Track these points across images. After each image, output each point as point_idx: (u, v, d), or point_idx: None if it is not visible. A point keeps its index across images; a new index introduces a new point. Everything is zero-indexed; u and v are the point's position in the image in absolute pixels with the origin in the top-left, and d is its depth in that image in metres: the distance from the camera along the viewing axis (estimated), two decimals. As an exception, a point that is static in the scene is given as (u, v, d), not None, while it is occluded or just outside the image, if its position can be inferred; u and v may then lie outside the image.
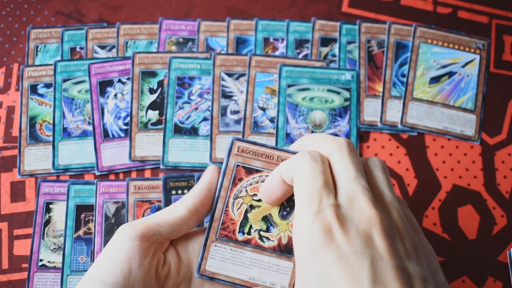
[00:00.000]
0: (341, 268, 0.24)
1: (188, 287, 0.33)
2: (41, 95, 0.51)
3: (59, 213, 0.47)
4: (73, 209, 0.47)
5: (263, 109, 0.50)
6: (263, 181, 0.33)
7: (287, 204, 0.33)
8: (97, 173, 0.48)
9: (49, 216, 0.47)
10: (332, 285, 0.24)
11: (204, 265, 0.32)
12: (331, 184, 0.27)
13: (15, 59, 0.52)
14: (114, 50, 0.52)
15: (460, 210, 0.48)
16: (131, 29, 0.52)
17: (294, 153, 0.32)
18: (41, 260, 0.46)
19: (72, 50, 0.52)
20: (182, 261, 0.33)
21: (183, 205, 0.32)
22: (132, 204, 0.47)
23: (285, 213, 0.33)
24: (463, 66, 0.51)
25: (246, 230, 0.33)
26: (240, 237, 0.33)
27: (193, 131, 0.49)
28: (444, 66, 0.51)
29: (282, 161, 0.32)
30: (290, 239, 0.32)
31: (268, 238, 0.33)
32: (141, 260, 0.30)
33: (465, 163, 0.49)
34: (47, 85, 0.51)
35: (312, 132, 0.49)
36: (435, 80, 0.51)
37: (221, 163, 0.48)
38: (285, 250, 0.32)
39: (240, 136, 0.48)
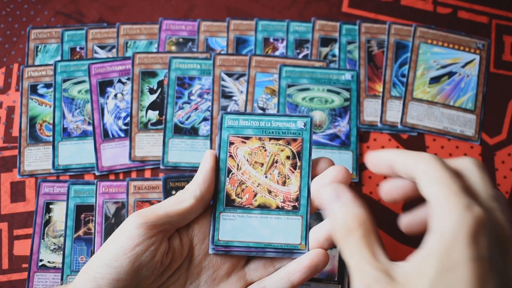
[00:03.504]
0: (475, 268, 0.24)
1: (188, 266, 0.33)
2: (41, 95, 0.51)
3: (59, 213, 0.47)
4: (73, 209, 0.47)
5: (263, 109, 0.50)
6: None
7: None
8: (97, 173, 0.48)
9: (49, 216, 0.47)
10: (460, 279, 0.24)
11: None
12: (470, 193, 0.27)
13: (15, 59, 0.52)
14: (114, 50, 0.52)
15: (460, 210, 0.48)
16: (131, 29, 0.52)
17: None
18: (41, 260, 0.46)
19: (72, 50, 0.52)
20: (183, 243, 0.33)
21: (191, 195, 0.33)
22: (132, 204, 0.47)
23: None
24: (463, 66, 0.51)
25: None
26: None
27: (193, 131, 0.49)
28: (444, 66, 0.51)
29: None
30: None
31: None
32: (147, 247, 0.30)
33: (465, 163, 0.49)
34: (47, 85, 0.51)
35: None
36: (435, 80, 0.51)
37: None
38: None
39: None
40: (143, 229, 0.30)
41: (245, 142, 0.35)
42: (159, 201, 0.47)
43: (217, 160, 0.35)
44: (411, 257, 0.26)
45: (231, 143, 0.35)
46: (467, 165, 0.29)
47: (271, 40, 0.52)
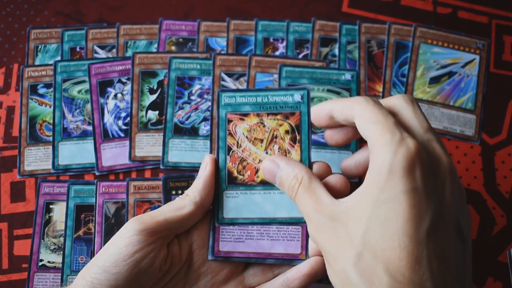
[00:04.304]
0: (410, 199, 0.25)
1: (187, 271, 0.33)
2: (41, 95, 0.51)
3: (59, 213, 0.47)
4: (73, 209, 0.47)
5: (263, 109, 0.50)
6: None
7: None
8: (97, 173, 0.48)
9: (49, 216, 0.47)
10: (395, 211, 0.25)
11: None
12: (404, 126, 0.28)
13: (15, 59, 0.52)
14: (114, 50, 0.52)
15: (460, 210, 0.48)
16: (131, 29, 0.52)
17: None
18: (41, 260, 0.46)
19: (72, 50, 0.52)
20: (182, 249, 0.33)
21: (191, 201, 0.33)
22: (132, 204, 0.47)
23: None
24: (463, 66, 0.51)
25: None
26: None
27: (193, 131, 0.49)
28: (444, 66, 0.51)
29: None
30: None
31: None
32: (146, 254, 0.30)
33: (465, 163, 0.49)
34: (47, 85, 0.51)
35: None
36: (435, 80, 0.51)
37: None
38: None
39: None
40: (143, 236, 0.30)
41: (243, 119, 0.35)
42: (159, 201, 0.47)
43: (216, 163, 0.34)
44: (352, 194, 0.28)
45: (230, 121, 0.35)
46: (400, 102, 0.30)
47: (271, 40, 0.52)
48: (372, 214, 0.26)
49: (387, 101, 0.30)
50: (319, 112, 0.33)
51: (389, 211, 0.25)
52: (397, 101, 0.30)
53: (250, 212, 0.34)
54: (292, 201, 0.33)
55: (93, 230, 0.46)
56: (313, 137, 0.49)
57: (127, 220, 0.46)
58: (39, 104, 0.50)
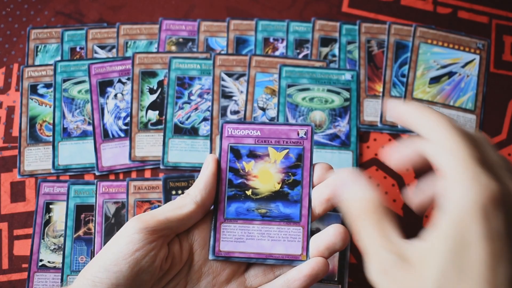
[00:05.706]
0: (491, 245, 0.23)
1: (188, 271, 0.33)
2: (41, 95, 0.51)
3: (59, 213, 0.47)
4: (73, 209, 0.47)
5: (263, 109, 0.50)
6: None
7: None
8: (97, 173, 0.48)
9: (49, 216, 0.47)
10: (475, 257, 0.23)
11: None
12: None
13: (15, 59, 0.52)
14: (114, 50, 0.52)
15: (460, 210, 0.48)
16: (131, 29, 0.52)
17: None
18: (41, 260, 0.46)
19: (72, 50, 0.52)
20: (183, 248, 0.33)
21: (192, 200, 0.33)
22: (132, 204, 0.47)
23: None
24: (463, 66, 0.51)
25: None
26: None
27: (193, 131, 0.49)
28: (444, 66, 0.51)
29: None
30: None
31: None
32: (147, 252, 0.30)
33: (465, 163, 0.49)
34: (47, 85, 0.51)
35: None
36: (435, 80, 0.51)
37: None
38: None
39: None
40: (143, 234, 0.30)
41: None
42: (159, 201, 0.47)
43: (218, 162, 0.34)
44: (425, 236, 0.25)
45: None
46: (480, 136, 0.27)
47: (271, 40, 0.52)
48: (449, 259, 0.24)
49: (466, 132, 0.28)
50: (397, 114, 0.29)
51: (469, 257, 0.23)
52: (478, 135, 0.27)
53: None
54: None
55: (93, 230, 0.46)
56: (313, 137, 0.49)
57: (127, 220, 0.46)
58: (39, 104, 0.50)
